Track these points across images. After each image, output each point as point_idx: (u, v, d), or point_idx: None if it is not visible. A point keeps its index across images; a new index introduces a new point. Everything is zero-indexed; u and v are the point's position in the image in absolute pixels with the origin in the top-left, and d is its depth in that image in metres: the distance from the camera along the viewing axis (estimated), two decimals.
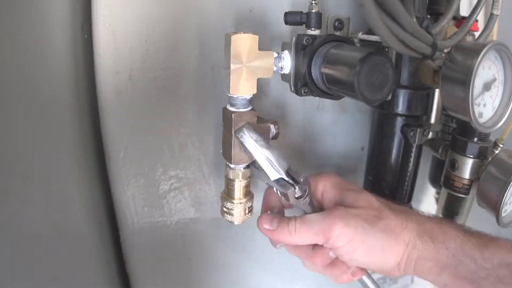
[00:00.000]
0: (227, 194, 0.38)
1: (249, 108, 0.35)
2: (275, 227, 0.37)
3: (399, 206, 0.40)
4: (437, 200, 0.54)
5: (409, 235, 0.36)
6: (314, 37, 0.34)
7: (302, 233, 0.36)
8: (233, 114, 0.34)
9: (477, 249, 0.35)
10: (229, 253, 0.48)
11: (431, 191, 0.57)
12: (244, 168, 0.37)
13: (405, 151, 0.45)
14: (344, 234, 0.35)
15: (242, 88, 0.34)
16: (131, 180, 0.41)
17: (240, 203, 0.38)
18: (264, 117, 0.39)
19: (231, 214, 0.38)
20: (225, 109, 0.36)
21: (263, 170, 0.34)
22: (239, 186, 0.37)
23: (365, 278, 0.40)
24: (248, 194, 0.39)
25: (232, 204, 0.38)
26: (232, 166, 0.37)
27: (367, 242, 0.35)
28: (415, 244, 0.36)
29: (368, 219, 0.36)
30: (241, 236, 0.48)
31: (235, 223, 0.38)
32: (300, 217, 0.37)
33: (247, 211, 0.38)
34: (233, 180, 0.37)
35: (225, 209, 0.38)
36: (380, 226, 0.36)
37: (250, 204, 0.39)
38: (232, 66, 0.33)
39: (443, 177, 0.47)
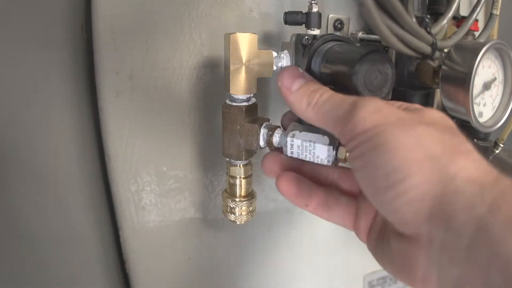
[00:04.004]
0: (229, 193, 0.38)
1: (251, 102, 0.35)
2: (297, 87, 0.29)
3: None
4: None
5: (474, 171, 0.22)
6: (313, 37, 0.34)
7: (323, 105, 0.27)
8: (234, 108, 0.34)
9: None
10: (229, 253, 0.48)
11: None
12: (246, 164, 0.37)
13: None
14: (365, 120, 0.24)
15: (242, 87, 0.34)
16: (131, 180, 0.41)
17: (243, 201, 0.37)
18: (263, 117, 0.39)
19: (234, 213, 0.38)
20: (225, 104, 0.36)
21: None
22: (240, 184, 0.37)
23: None
24: (251, 192, 0.38)
25: (234, 203, 0.37)
26: (233, 162, 0.37)
27: (386, 137, 0.23)
28: (483, 192, 0.21)
29: (408, 120, 0.24)
30: (241, 236, 0.48)
31: (238, 222, 0.38)
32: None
33: (249, 210, 0.38)
34: (234, 178, 0.37)
35: (227, 208, 0.38)
36: (419, 129, 0.23)
37: (253, 203, 0.38)
38: (232, 66, 0.33)
39: None
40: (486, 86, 0.37)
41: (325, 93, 0.27)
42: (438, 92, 0.47)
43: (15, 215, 0.32)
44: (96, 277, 0.43)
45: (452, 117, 0.49)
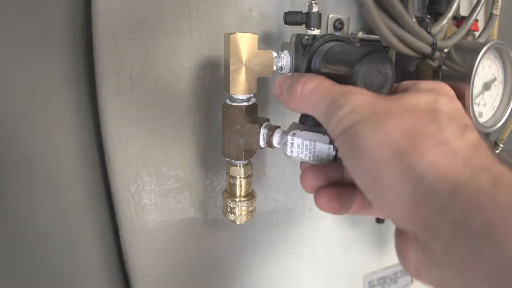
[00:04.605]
0: (229, 193, 0.38)
1: (251, 102, 0.35)
2: (287, 85, 0.29)
3: (480, 136, 0.23)
4: None
5: (448, 162, 0.20)
6: (313, 37, 0.34)
7: (310, 96, 0.26)
8: (234, 108, 0.34)
9: None
10: (229, 253, 0.48)
11: None
12: (246, 164, 0.37)
13: None
14: (346, 115, 0.23)
15: (242, 87, 0.34)
16: (131, 180, 0.41)
17: (243, 201, 0.37)
18: (263, 117, 0.39)
19: (234, 213, 0.38)
20: (225, 104, 0.36)
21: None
22: (240, 184, 0.37)
23: None
24: (251, 192, 0.38)
25: (234, 203, 0.37)
26: (233, 162, 0.37)
27: (359, 133, 0.22)
28: (455, 191, 0.19)
29: (390, 111, 0.23)
30: (241, 236, 0.48)
31: (238, 222, 0.38)
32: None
33: (249, 210, 0.38)
34: (234, 178, 0.37)
35: (227, 208, 0.38)
36: (394, 122, 0.22)
37: (253, 203, 0.38)
38: (232, 66, 0.33)
39: None
40: (486, 86, 0.37)
41: (310, 82, 0.27)
42: None
43: (15, 215, 0.32)
44: (96, 277, 0.43)
45: None
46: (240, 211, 0.38)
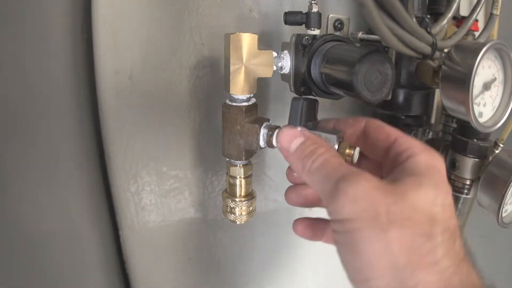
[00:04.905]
0: (229, 193, 0.38)
1: (251, 102, 0.35)
2: (294, 148, 0.29)
3: (464, 248, 0.26)
4: None
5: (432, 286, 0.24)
6: (313, 37, 0.34)
7: (314, 174, 0.27)
8: (234, 108, 0.34)
9: None
10: (229, 253, 0.48)
11: None
12: (246, 164, 0.37)
13: None
14: (343, 207, 0.24)
15: (242, 87, 0.34)
16: (131, 180, 0.41)
17: (243, 201, 0.37)
18: (263, 117, 0.39)
19: (234, 213, 0.38)
20: (225, 104, 0.36)
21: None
22: (240, 184, 0.37)
23: None
24: (251, 192, 0.38)
25: (234, 203, 0.37)
26: (233, 162, 0.37)
27: (360, 236, 0.24)
28: None
29: (391, 216, 0.24)
30: (241, 236, 0.48)
31: (238, 222, 0.38)
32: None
33: (249, 210, 0.38)
34: (234, 178, 0.37)
35: (227, 208, 0.38)
36: (394, 233, 0.23)
37: (253, 203, 0.38)
38: (232, 66, 0.33)
39: None
40: (486, 86, 0.36)
41: (318, 159, 0.27)
42: (438, 92, 0.47)
43: (15, 215, 0.32)
44: (96, 277, 0.43)
45: (453, 117, 0.49)
46: (240, 211, 0.38)
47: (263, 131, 0.34)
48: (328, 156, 0.27)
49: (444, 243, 0.24)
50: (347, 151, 0.31)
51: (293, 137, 0.30)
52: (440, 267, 0.23)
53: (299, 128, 0.30)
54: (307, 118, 0.32)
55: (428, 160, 0.27)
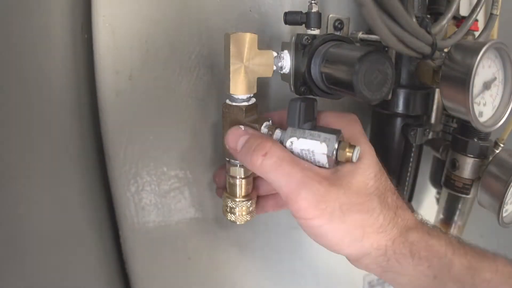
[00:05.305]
0: (229, 193, 0.38)
1: (251, 102, 0.35)
2: (240, 146, 0.32)
3: (397, 199, 0.34)
4: (437, 200, 0.54)
5: (382, 241, 0.31)
6: (313, 36, 0.34)
7: (269, 174, 0.31)
8: (234, 108, 0.34)
9: (466, 272, 0.31)
10: (229, 254, 0.48)
11: (431, 191, 0.57)
12: None
13: (405, 151, 0.45)
14: (306, 209, 0.30)
15: (242, 87, 0.34)
16: (131, 180, 0.41)
17: (243, 201, 0.37)
18: (263, 117, 0.39)
19: (233, 213, 0.38)
20: (225, 104, 0.36)
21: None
22: (240, 184, 0.37)
23: None
24: (251, 193, 0.38)
25: (234, 203, 0.37)
26: (233, 162, 0.37)
27: (325, 228, 0.30)
28: (385, 253, 0.32)
29: (343, 207, 0.30)
30: (241, 236, 0.48)
31: (237, 222, 0.38)
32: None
33: (249, 210, 0.38)
34: (234, 178, 0.37)
35: (227, 208, 0.38)
36: (349, 220, 0.30)
37: (253, 203, 0.38)
38: (232, 66, 0.33)
39: (443, 177, 0.47)
40: (486, 86, 0.36)
41: (269, 157, 0.31)
42: (438, 92, 0.47)
43: (14, 215, 0.32)
44: (96, 277, 0.43)
45: (453, 117, 0.49)
46: (240, 211, 0.38)
47: (263, 131, 0.34)
48: (278, 153, 0.31)
49: (383, 212, 0.32)
50: (347, 150, 0.31)
51: (238, 137, 0.33)
52: (383, 228, 0.32)
53: (242, 128, 0.33)
54: (306, 119, 0.32)
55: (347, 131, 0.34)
